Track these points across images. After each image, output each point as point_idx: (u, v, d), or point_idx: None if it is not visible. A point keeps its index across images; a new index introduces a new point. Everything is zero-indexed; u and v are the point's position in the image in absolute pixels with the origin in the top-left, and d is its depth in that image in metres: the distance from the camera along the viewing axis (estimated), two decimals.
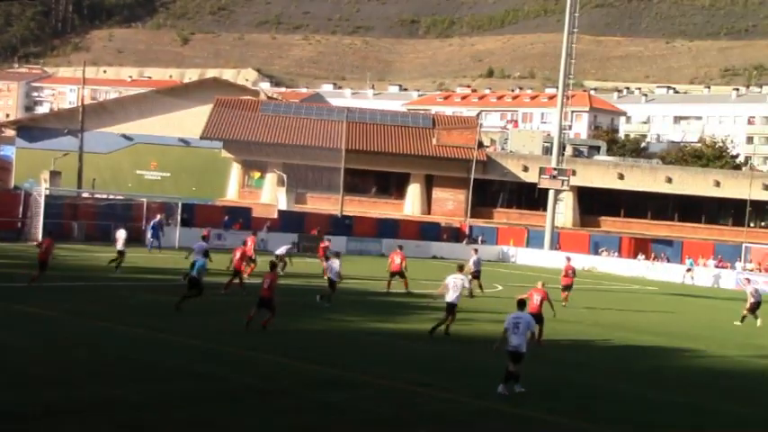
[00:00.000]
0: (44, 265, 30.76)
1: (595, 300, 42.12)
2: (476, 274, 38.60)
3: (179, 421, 14.59)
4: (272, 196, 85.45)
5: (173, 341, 22.09)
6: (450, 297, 25.53)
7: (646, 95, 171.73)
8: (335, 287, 31.47)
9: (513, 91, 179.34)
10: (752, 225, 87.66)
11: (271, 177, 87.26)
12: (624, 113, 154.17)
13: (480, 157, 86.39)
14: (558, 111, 79.02)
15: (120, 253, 38.29)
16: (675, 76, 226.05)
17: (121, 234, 39.26)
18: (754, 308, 37.01)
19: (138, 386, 16.78)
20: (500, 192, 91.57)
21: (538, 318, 25.43)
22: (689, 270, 66.85)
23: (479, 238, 75.92)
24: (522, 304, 19.05)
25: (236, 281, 32.56)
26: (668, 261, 72.73)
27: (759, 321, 36.49)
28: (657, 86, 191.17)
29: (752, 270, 67.64)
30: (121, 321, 24.23)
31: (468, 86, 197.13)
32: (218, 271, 33.98)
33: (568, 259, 40.81)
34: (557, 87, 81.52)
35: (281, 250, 44.21)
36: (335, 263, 32.00)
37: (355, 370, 19.91)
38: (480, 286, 38.71)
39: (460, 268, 27.06)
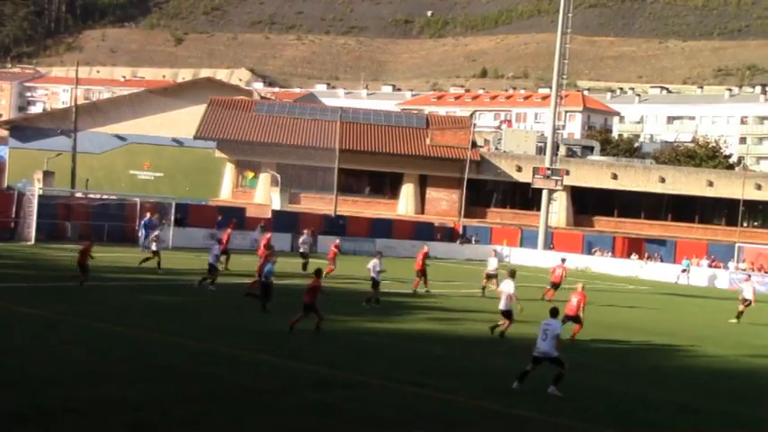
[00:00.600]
0: (84, 267, 31.18)
1: (591, 299, 41.96)
2: (494, 275, 39.33)
3: (179, 421, 14.57)
4: (265, 196, 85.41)
5: (172, 341, 22.06)
6: (501, 304, 26.52)
7: (639, 95, 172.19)
8: (379, 287, 31.70)
9: (506, 91, 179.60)
10: (745, 225, 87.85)
11: (264, 177, 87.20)
12: (617, 113, 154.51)
13: (474, 157, 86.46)
14: (552, 111, 79.08)
15: (156, 253, 39.26)
16: (669, 77, 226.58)
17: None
18: (748, 305, 37.25)
19: (138, 386, 16.74)
20: (494, 191, 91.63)
21: (575, 319, 26.21)
22: (684, 270, 66.79)
23: (473, 238, 76.04)
24: (554, 312, 19.20)
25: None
26: (662, 261, 72.86)
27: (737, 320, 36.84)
28: (651, 86, 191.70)
29: (745, 270, 67.75)
30: (119, 322, 24.19)
31: (462, 86, 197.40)
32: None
33: (563, 260, 42.14)
34: (550, 87, 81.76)
35: (302, 240, 44.68)
36: (376, 263, 32.04)
37: (353, 370, 19.91)
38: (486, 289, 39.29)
39: (512, 274, 27.70)
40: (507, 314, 26.27)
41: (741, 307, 37.53)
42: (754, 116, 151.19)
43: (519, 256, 73.63)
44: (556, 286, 39.48)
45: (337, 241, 47.95)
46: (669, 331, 32.58)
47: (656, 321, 36.19)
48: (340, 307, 29.60)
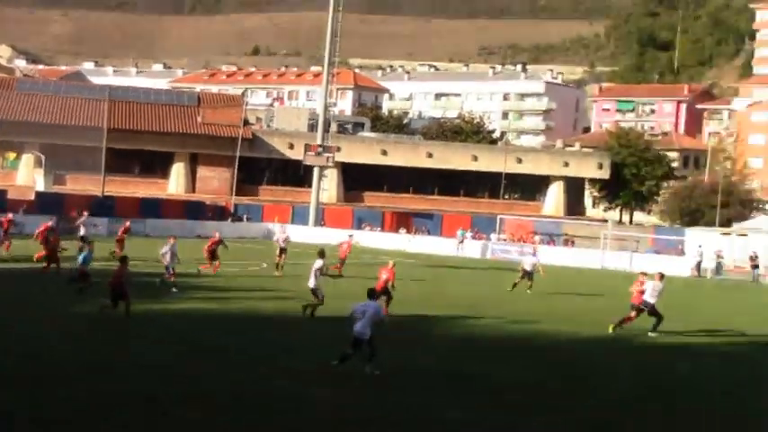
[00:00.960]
0: None
1: (365, 273, 42.53)
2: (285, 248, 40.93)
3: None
4: (28, 178, 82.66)
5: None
6: (310, 283, 26.90)
7: (408, 73, 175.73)
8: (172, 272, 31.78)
9: (279, 69, 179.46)
10: (506, 197, 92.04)
11: (27, 158, 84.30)
12: (387, 90, 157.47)
13: (246, 135, 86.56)
14: (324, 88, 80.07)
15: None
16: (436, 54, 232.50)
17: None
18: (528, 276, 38.74)
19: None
20: (266, 169, 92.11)
21: (382, 294, 26.58)
22: (461, 242, 68.62)
23: (245, 216, 76.15)
24: (371, 293, 19.63)
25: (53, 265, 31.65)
26: (429, 234, 75.18)
27: (528, 289, 38.40)
28: (419, 64, 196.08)
29: (504, 240, 71.01)
30: None
31: (234, 64, 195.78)
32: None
33: (350, 236, 45.33)
34: (322, 65, 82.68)
35: (82, 221, 43.72)
36: (166, 248, 31.93)
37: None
38: (280, 266, 40.23)
39: (320, 253, 27.97)
40: (312, 292, 26.86)
41: (518, 279, 38.87)
42: (516, 93, 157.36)
43: (290, 234, 74.21)
44: (342, 261, 40.72)
45: (127, 223, 47.53)
46: (443, 302, 33.54)
47: (434, 293, 37.24)
48: (139, 291, 29.38)
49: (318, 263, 27.18)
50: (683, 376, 22.02)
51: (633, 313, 27.65)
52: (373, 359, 18.63)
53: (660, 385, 20.41)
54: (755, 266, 59.51)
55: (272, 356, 20.73)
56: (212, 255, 38.07)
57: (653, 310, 27.41)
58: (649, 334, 27.19)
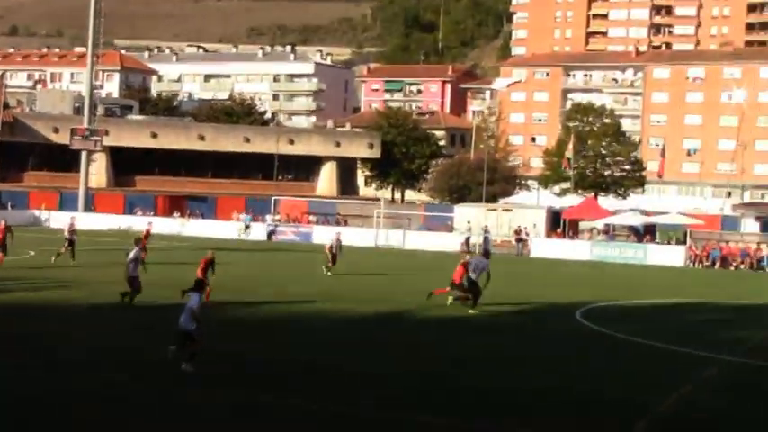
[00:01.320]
0: None
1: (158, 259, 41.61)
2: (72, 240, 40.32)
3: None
4: None
5: None
6: (130, 272, 26.62)
7: (176, 54, 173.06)
8: None
9: (40, 50, 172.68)
10: (280, 178, 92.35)
11: None
12: (156, 72, 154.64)
13: (7, 119, 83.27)
14: (89, 70, 77.89)
15: None
16: (205, 36, 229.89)
17: None
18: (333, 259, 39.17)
19: None
20: (30, 155, 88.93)
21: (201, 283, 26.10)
22: (247, 227, 68.01)
23: (9, 204, 73.07)
24: (196, 285, 19.03)
25: None
26: (203, 217, 74.39)
27: (328, 271, 38.76)
28: (188, 45, 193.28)
29: (279, 220, 71.29)
30: None
31: None
32: None
33: (150, 224, 48.73)
34: (86, 46, 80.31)
35: None
36: None
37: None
38: (71, 254, 39.85)
39: (136, 242, 28.45)
40: (133, 281, 26.56)
41: (330, 264, 39.03)
42: (286, 74, 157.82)
43: (59, 220, 71.86)
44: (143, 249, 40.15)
45: None
46: (231, 286, 33.33)
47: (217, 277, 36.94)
48: None
49: (135, 251, 27.16)
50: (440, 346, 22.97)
51: (462, 293, 28.92)
52: (192, 357, 17.94)
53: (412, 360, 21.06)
54: (520, 240, 62.48)
55: (52, 349, 20.21)
56: (3, 244, 36.67)
57: (471, 285, 28.64)
58: (448, 299, 28.78)
